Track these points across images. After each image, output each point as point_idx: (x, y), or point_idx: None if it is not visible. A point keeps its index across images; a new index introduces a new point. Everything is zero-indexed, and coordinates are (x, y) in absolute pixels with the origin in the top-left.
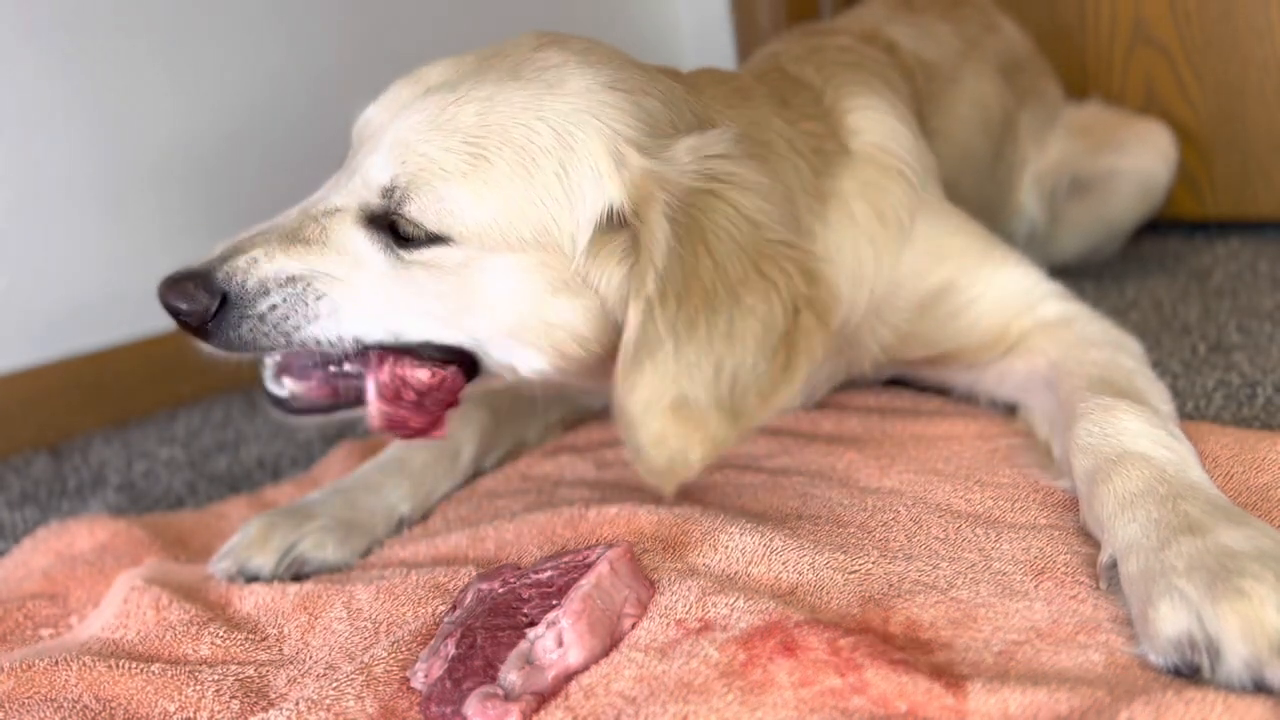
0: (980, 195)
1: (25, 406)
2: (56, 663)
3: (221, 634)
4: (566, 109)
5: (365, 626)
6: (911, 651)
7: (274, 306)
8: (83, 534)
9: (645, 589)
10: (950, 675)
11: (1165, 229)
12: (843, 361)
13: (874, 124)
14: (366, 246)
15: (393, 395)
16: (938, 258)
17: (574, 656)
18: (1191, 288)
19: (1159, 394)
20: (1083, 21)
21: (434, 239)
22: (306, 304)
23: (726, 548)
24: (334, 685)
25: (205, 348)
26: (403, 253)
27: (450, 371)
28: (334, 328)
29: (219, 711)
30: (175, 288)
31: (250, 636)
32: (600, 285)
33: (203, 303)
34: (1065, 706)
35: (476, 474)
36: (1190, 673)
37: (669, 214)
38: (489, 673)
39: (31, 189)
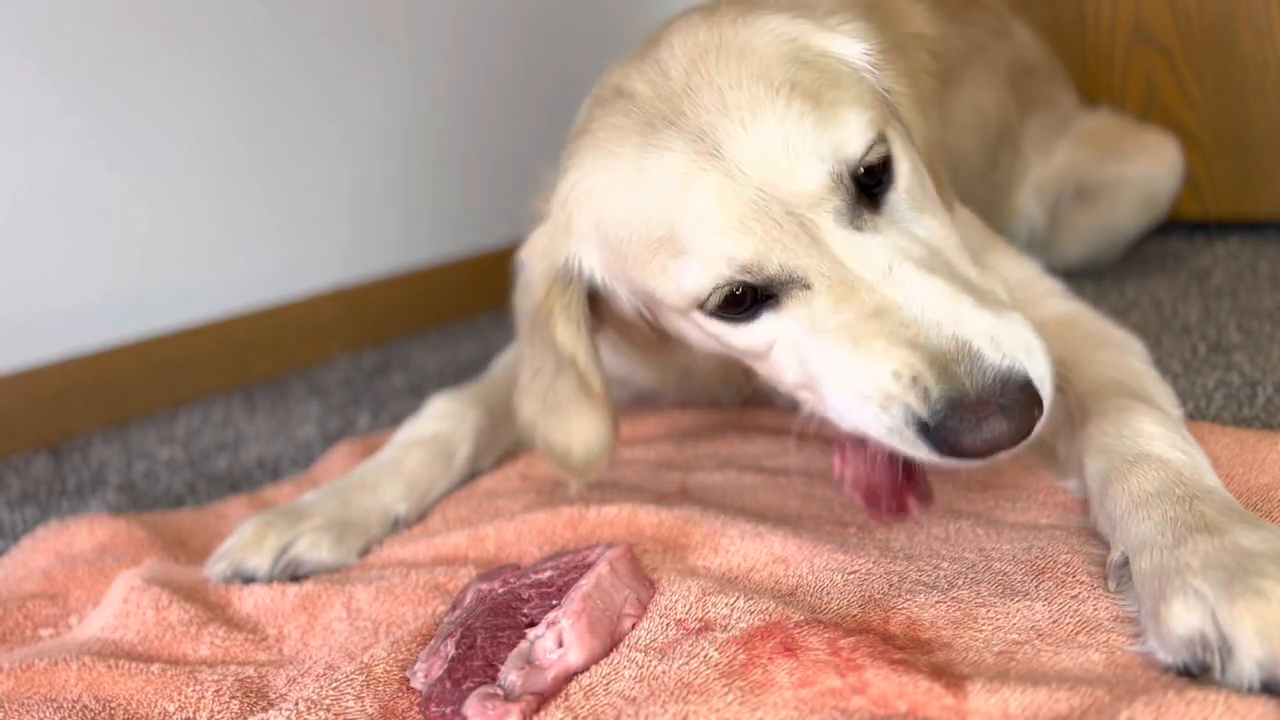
0: (972, 198)
1: (25, 406)
2: (56, 663)
3: (221, 634)
4: (786, 30)
5: (365, 626)
6: (912, 651)
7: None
8: (83, 534)
9: (645, 589)
10: (950, 675)
11: (1165, 229)
12: None
13: None
14: (876, 237)
15: None
16: None
17: (574, 656)
18: (1191, 288)
19: (1167, 397)
20: (1083, 21)
21: (883, 151)
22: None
23: (727, 551)
24: (334, 685)
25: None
26: (884, 195)
27: None
28: None
29: (219, 711)
30: (1014, 408)
31: (250, 637)
32: None
33: (1038, 397)
34: (1065, 706)
35: (474, 475)
36: (1200, 672)
37: (899, 68)
38: (489, 673)
39: (31, 190)
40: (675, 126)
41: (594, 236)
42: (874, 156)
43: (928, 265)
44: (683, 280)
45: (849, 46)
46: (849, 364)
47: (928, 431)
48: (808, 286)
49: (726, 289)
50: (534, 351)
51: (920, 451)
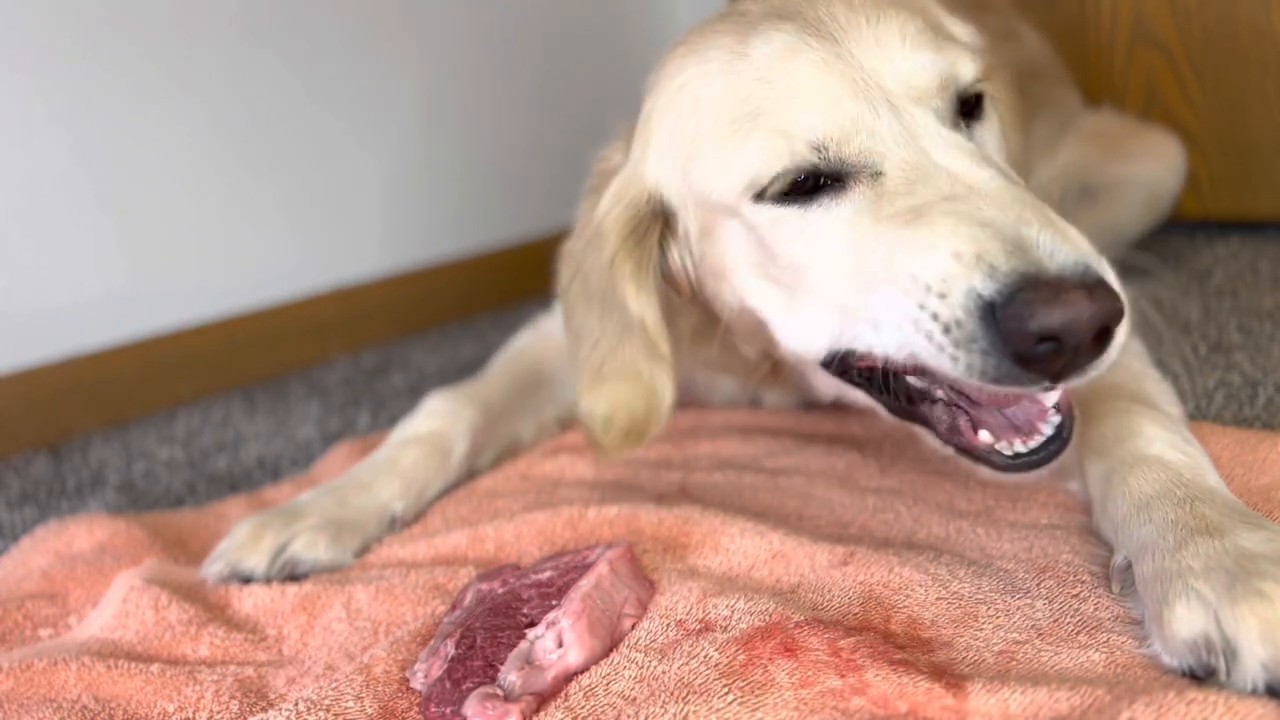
0: None
1: (25, 406)
2: (56, 663)
3: (221, 634)
4: None
5: (365, 626)
6: (912, 650)
7: None
8: (82, 534)
9: (645, 589)
10: (951, 675)
11: (1165, 228)
12: None
13: None
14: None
15: None
16: None
17: (574, 657)
18: (1191, 288)
19: (1167, 397)
20: (1084, 20)
21: (982, 92)
22: None
23: (728, 550)
24: (333, 685)
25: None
26: (974, 125)
27: None
28: None
29: (218, 711)
30: (1098, 289)
31: (249, 637)
32: None
33: (1119, 296)
34: (1065, 706)
35: (472, 474)
36: (1205, 674)
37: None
38: (488, 673)
39: (32, 189)
40: (789, 19)
41: (671, 144)
42: (976, 90)
43: (1008, 178)
44: (755, 157)
45: (963, 29)
46: (905, 246)
47: (992, 320)
48: (879, 173)
49: (793, 174)
50: (595, 322)
51: (973, 359)
